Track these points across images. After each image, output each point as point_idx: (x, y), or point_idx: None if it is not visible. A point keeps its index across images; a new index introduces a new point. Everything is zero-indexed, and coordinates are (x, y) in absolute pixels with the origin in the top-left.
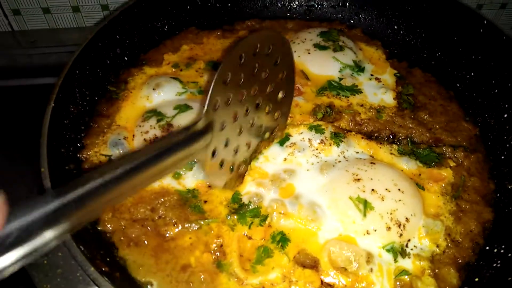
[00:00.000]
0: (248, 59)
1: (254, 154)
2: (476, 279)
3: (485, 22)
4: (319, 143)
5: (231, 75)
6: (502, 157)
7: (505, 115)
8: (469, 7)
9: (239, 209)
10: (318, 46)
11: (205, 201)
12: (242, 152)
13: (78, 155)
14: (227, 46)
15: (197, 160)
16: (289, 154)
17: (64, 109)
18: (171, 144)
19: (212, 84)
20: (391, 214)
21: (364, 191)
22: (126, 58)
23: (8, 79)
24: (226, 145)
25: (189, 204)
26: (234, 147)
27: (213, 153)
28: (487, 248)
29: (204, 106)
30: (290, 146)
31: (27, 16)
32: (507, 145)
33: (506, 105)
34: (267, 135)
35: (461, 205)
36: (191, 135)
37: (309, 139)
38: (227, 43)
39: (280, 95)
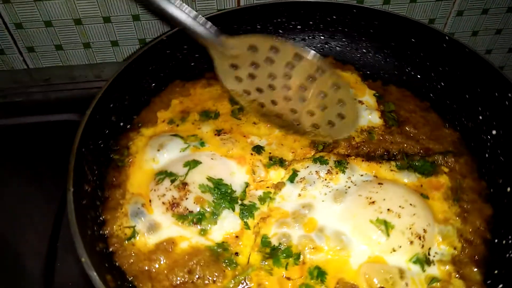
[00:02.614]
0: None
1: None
2: (495, 272)
3: (447, 38)
4: (326, 174)
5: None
6: (486, 155)
7: (480, 117)
8: (429, 26)
9: (272, 252)
10: None
11: (237, 253)
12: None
13: (101, 232)
14: (216, 94)
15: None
16: (301, 189)
17: (81, 190)
18: None
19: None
20: (410, 228)
21: (381, 212)
22: (121, 124)
23: (26, 115)
24: (255, 66)
25: (222, 259)
26: (265, 81)
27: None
28: (496, 241)
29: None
30: (301, 181)
31: (41, 53)
32: (488, 144)
33: (479, 108)
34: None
35: (463, 206)
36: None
37: (316, 171)
38: (214, 91)
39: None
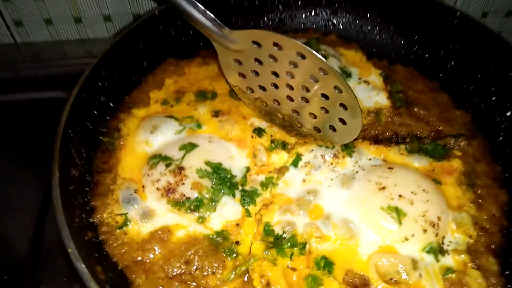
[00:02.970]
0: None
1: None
2: None
3: (458, 13)
4: (332, 158)
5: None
6: (501, 138)
7: (493, 98)
8: (438, 1)
9: (275, 241)
10: None
11: (237, 242)
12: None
13: (90, 220)
14: (213, 73)
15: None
16: (306, 174)
17: (68, 175)
18: None
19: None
20: (423, 216)
21: (392, 199)
22: (111, 104)
23: (13, 92)
24: (259, 63)
25: (222, 248)
26: (268, 79)
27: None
28: None
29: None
30: (305, 166)
31: (30, 27)
32: (502, 126)
33: (492, 88)
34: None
35: (478, 192)
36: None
37: (321, 155)
38: (210, 70)
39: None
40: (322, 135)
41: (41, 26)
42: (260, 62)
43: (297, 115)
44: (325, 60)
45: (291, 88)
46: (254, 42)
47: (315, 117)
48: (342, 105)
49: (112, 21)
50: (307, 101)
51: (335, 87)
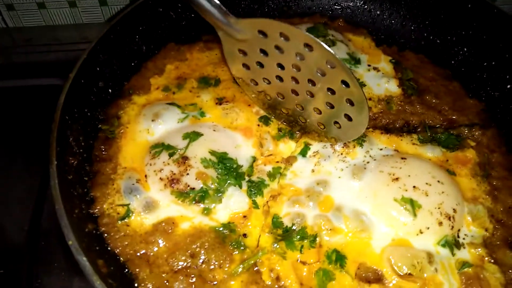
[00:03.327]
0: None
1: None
2: None
3: None
4: (342, 147)
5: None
6: None
7: (508, 86)
8: None
9: (284, 234)
10: None
11: (245, 235)
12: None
13: (90, 211)
14: (216, 59)
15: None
16: (315, 165)
17: (66, 163)
18: None
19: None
20: (439, 208)
21: (406, 190)
22: (110, 90)
23: (4, 79)
24: (264, 54)
25: (229, 241)
26: (273, 71)
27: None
28: None
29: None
30: (314, 156)
31: (22, 11)
32: None
33: (507, 76)
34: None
35: (493, 183)
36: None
37: (331, 144)
38: (213, 55)
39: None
40: (326, 131)
41: (33, 10)
42: (265, 53)
43: (302, 109)
44: (333, 52)
45: (297, 81)
46: (260, 32)
47: (320, 112)
48: (348, 100)
49: (108, 5)
50: (312, 95)
51: (343, 81)
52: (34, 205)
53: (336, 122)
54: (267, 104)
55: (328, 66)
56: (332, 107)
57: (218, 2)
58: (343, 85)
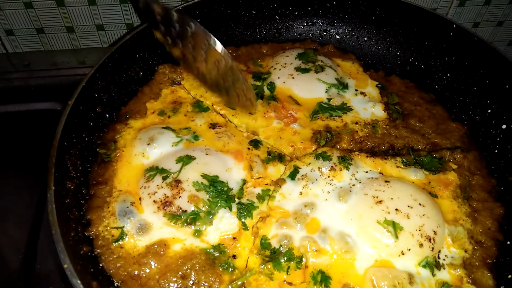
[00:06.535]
0: None
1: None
2: (509, 276)
3: (454, 26)
4: (329, 170)
5: None
6: (496, 151)
7: (489, 111)
8: (435, 13)
9: (272, 255)
10: (300, 70)
11: (234, 256)
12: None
13: (86, 233)
14: None
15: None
16: (303, 187)
17: (63, 188)
18: None
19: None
20: (420, 230)
21: (389, 213)
22: (107, 115)
23: (5, 104)
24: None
25: (219, 262)
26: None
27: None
28: (508, 243)
29: None
30: (302, 179)
31: (21, 36)
32: (497, 139)
33: (488, 101)
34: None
35: (473, 205)
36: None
37: (318, 168)
38: None
39: None
40: (239, 102)
41: (32, 36)
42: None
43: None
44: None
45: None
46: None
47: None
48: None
49: (105, 30)
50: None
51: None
52: (31, 228)
53: (237, 95)
54: (206, 82)
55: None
56: (233, 85)
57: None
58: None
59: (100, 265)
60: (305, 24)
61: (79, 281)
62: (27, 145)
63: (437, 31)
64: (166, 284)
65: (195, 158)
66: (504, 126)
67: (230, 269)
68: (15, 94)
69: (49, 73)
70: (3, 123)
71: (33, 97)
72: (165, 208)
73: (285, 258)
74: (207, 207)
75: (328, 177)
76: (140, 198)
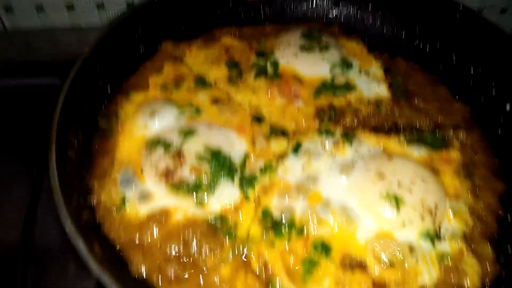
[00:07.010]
0: None
1: None
2: (509, 250)
3: (461, 7)
4: (332, 146)
5: None
6: (499, 131)
7: (493, 92)
8: None
9: (274, 225)
10: (304, 49)
11: (236, 225)
12: None
13: (88, 201)
14: (213, 57)
15: None
16: (306, 162)
17: (65, 156)
18: None
19: None
20: (421, 204)
21: (391, 187)
22: (109, 88)
23: (4, 78)
24: None
25: (221, 231)
26: None
27: None
28: (509, 218)
29: None
30: (305, 153)
31: (20, 13)
32: (501, 120)
33: (493, 82)
34: None
35: (475, 182)
36: None
37: (321, 143)
38: (210, 53)
39: None
40: None
41: (32, 13)
42: None
43: None
44: None
45: None
46: None
47: None
48: None
49: (105, 8)
50: None
51: None
52: (28, 208)
53: None
54: None
55: None
56: None
57: None
58: None
59: (102, 232)
60: (310, 4)
61: (81, 243)
62: (25, 120)
63: (443, 13)
64: (168, 251)
65: (197, 131)
66: (508, 108)
67: (232, 238)
68: (14, 70)
69: (49, 51)
70: (2, 98)
71: (33, 73)
72: (167, 178)
73: (287, 227)
74: (209, 178)
75: (331, 152)
76: (142, 169)
